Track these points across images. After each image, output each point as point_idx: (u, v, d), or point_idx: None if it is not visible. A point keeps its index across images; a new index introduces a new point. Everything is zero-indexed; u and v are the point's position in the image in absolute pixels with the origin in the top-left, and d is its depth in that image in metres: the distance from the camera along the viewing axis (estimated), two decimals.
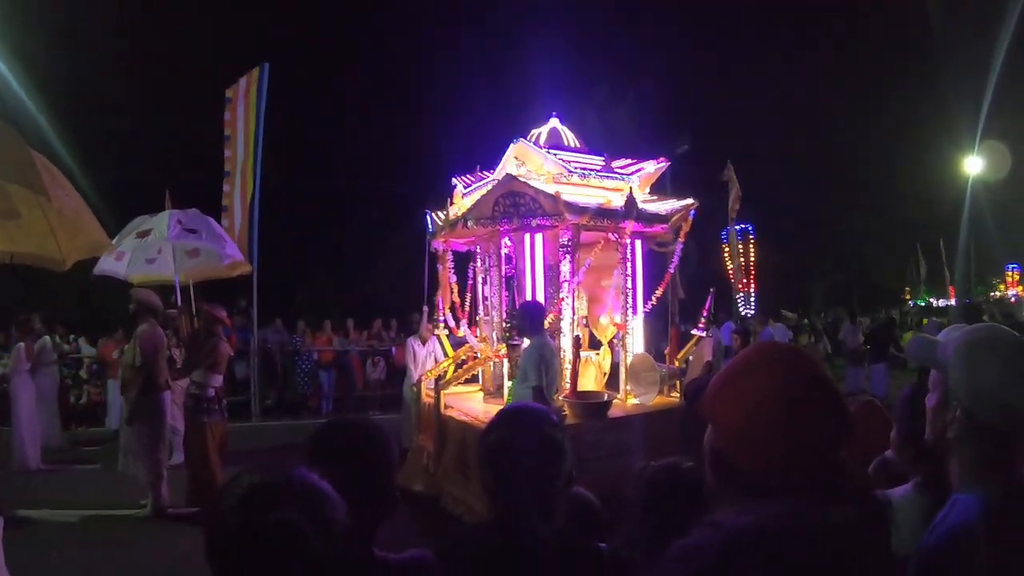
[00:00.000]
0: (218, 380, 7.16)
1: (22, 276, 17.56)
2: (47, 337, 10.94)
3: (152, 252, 8.24)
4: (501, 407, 6.55)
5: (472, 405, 8.09)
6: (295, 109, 20.71)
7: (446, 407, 7.74)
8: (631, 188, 8.20)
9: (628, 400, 8.04)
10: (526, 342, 6.58)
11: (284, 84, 16.56)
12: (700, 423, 1.42)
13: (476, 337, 8.67)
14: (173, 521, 7.30)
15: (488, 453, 1.98)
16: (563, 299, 7.58)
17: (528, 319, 6.37)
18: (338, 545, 1.22)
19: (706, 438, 1.39)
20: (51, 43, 20.25)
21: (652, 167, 8.80)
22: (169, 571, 6.05)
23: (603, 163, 8.43)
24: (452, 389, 8.23)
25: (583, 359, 8.13)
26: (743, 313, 16.36)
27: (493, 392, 8.29)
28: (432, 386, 7.95)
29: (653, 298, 8.54)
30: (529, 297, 7.54)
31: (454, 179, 8.92)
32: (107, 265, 8.49)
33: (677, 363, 8.60)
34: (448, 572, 1.90)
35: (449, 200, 8.60)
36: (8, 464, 9.42)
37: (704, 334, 9.29)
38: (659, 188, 9.56)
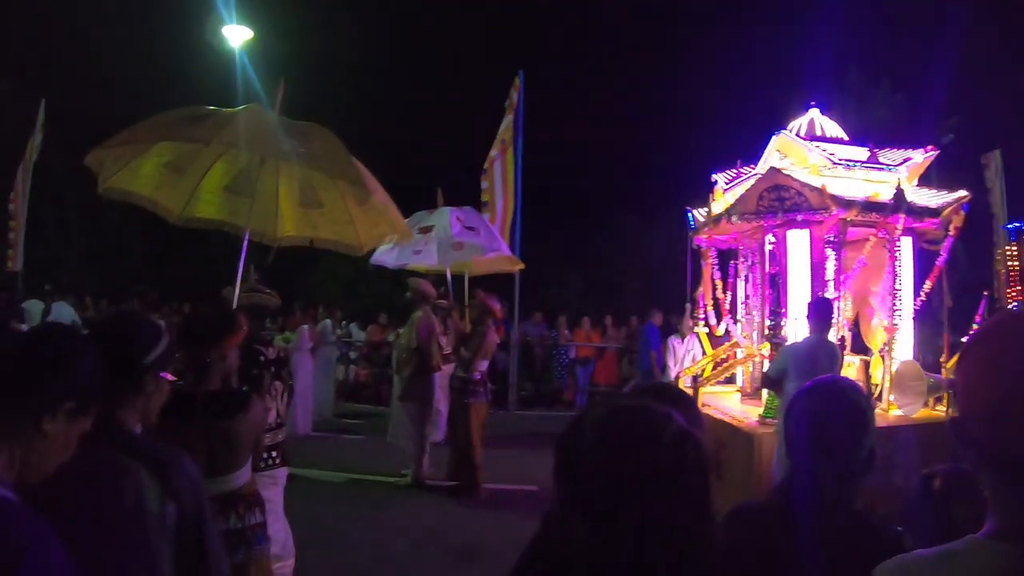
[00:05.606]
0: (484, 365, 7.63)
1: (296, 271, 20.05)
2: (328, 320, 12.30)
3: (419, 244, 8.86)
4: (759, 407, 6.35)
5: (729, 405, 7.95)
6: (551, 111, 21.37)
7: (703, 405, 7.63)
8: (899, 180, 7.67)
9: (891, 411, 7.49)
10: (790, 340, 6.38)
11: (543, 87, 17.16)
12: None
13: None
14: (430, 492, 7.88)
15: (795, 419, 2.00)
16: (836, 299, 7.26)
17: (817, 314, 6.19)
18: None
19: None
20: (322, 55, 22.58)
21: (920, 157, 8.17)
22: (423, 535, 6.54)
23: (869, 154, 7.95)
24: (708, 388, 8.15)
25: (846, 363, 7.72)
26: None
27: (751, 394, 8.06)
28: (690, 384, 7.92)
29: (921, 295, 7.92)
30: (794, 296, 7.31)
31: (714, 175, 8.79)
32: (380, 256, 9.27)
33: (945, 373, 7.91)
34: (731, 543, 1.89)
35: (710, 196, 8.52)
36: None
37: None
38: (924, 180, 8.89)
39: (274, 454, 4.42)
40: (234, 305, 4.49)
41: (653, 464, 1.17)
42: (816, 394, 2.03)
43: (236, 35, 14.89)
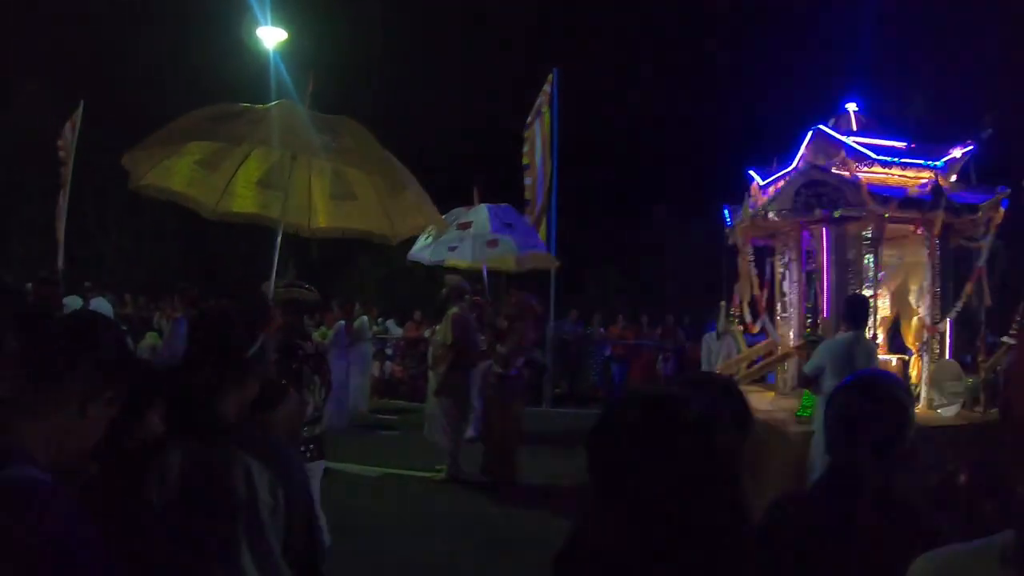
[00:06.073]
0: (520, 362, 7.66)
1: (334, 268, 20.32)
2: (364, 317, 12.49)
3: (454, 241, 8.93)
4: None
5: (763, 403, 7.83)
6: (587, 108, 21.35)
7: None
8: (937, 175, 7.57)
9: (928, 411, 7.39)
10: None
11: (579, 83, 17.13)
12: None
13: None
14: (465, 487, 7.90)
15: (835, 412, 2.03)
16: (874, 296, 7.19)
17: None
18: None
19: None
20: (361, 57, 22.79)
21: (959, 152, 8.04)
22: (458, 530, 6.58)
23: (906, 149, 7.87)
24: (743, 387, 8.07)
25: (882, 362, 7.61)
26: None
27: (787, 394, 7.98)
28: None
29: (963, 296, 7.80)
30: (827, 294, 7.25)
31: (750, 171, 8.74)
32: (417, 253, 9.35)
33: (983, 373, 7.77)
34: (770, 534, 1.89)
35: (747, 193, 8.47)
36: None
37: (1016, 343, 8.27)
38: (962, 177, 8.76)
39: (311, 447, 4.50)
40: (270, 299, 4.57)
41: (673, 450, 1.19)
42: (856, 387, 2.06)
43: (270, 36, 15.07)
